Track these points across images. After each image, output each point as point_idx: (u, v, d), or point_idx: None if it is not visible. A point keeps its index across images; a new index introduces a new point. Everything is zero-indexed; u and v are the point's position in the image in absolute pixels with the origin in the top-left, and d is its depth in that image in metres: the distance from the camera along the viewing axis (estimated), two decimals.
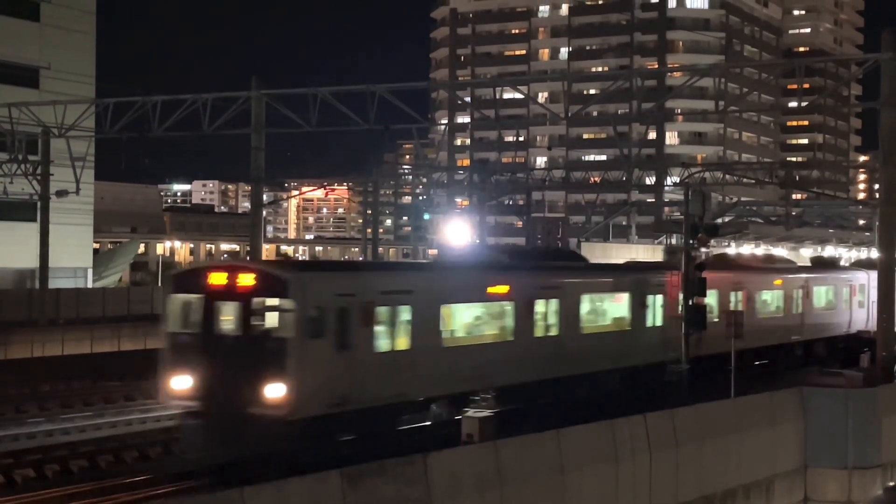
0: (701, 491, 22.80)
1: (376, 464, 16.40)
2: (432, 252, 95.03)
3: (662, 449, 21.71)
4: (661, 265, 39.76)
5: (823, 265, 53.31)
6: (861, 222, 79.19)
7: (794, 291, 44.32)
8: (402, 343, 24.25)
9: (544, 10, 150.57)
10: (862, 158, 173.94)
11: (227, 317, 22.55)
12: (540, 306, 29.37)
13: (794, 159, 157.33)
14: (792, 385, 27.84)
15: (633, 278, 34.18)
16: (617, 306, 33.39)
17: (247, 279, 22.45)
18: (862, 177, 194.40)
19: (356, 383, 22.59)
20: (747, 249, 65.39)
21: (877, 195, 68.16)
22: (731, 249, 60.37)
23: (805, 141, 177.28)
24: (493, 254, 34.19)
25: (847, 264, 61.07)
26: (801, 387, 27.12)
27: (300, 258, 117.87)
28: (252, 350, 22.00)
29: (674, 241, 35.24)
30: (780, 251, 66.76)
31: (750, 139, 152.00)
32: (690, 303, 32.37)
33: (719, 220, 52.12)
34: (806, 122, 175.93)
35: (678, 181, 52.87)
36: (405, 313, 24.31)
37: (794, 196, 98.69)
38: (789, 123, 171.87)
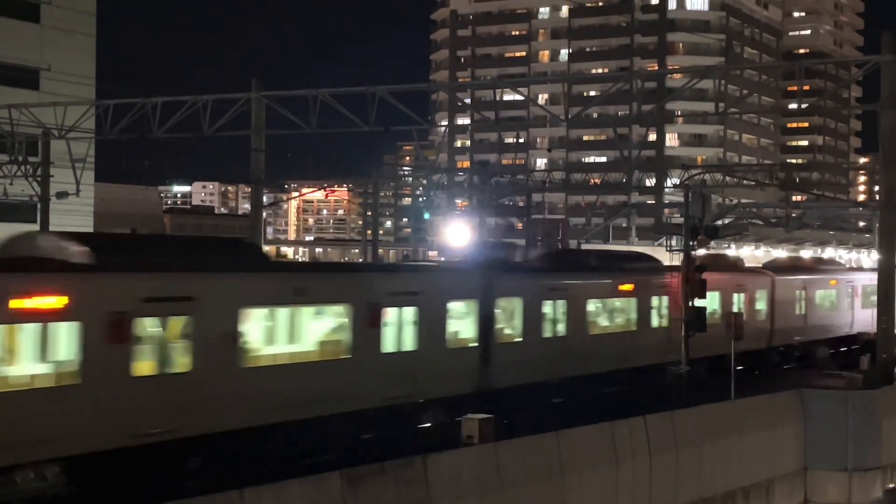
0: (701, 493, 22.81)
1: (376, 465, 16.35)
2: (432, 254, 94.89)
3: (662, 451, 21.71)
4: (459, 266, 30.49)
5: (713, 266, 37.54)
6: (861, 224, 79.15)
7: (651, 299, 33.85)
8: None
9: (544, 11, 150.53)
10: (862, 160, 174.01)
11: None
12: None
13: (794, 161, 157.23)
14: (792, 387, 27.87)
15: (360, 283, 24.06)
16: (325, 323, 23.24)
17: None
18: (862, 179, 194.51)
19: None
20: (743, 251, 65.11)
21: (877, 197, 68.10)
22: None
23: (805, 143, 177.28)
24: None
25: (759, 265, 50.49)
26: (800, 388, 27.15)
27: (300, 260, 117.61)
28: None
29: (674, 243, 34.27)
30: (780, 252, 66.60)
31: (750, 141, 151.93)
32: (691, 304, 31.66)
33: (719, 222, 51.86)
34: (806, 124, 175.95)
35: (678, 183, 52.73)
36: None
37: (794, 198, 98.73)
38: (789, 125, 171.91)
